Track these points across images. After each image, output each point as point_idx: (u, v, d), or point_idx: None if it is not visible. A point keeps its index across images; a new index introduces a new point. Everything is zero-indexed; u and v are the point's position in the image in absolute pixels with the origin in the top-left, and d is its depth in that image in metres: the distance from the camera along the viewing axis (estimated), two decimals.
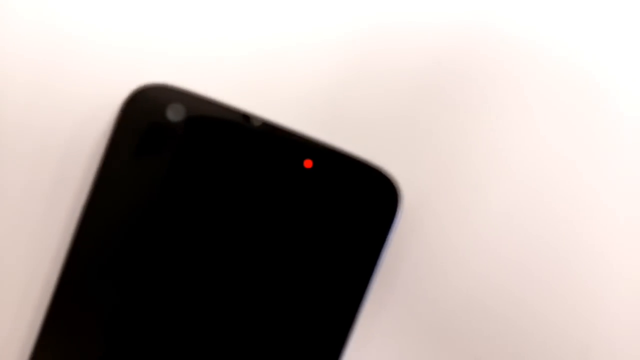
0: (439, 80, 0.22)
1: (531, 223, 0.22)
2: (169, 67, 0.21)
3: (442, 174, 0.22)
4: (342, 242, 0.20)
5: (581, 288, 0.22)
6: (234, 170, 0.20)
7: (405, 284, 0.22)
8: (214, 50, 0.22)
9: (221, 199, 0.20)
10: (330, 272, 0.20)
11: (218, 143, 0.20)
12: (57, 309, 0.20)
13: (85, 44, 0.21)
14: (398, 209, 0.21)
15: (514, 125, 0.23)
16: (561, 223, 0.23)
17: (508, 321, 0.22)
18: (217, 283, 0.20)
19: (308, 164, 0.20)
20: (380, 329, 0.22)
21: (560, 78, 0.23)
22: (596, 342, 0.22)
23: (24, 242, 0.21)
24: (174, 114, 0.20)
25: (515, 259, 0.22)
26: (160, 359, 0.20)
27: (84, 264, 0.20)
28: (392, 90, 0.22)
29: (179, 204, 0.20)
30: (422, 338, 0.22)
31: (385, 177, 0.21)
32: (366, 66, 0.22)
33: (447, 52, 0.22)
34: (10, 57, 0.21)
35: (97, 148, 0.21)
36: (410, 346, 0.22)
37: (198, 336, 0.20)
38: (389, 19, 0.22)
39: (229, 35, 0.22)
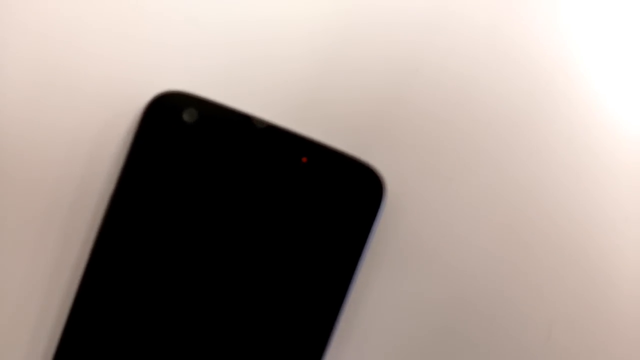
0: (417, 74, 0.25)
1: (506, 210, 0.25)
2: (166, 74, 0.25)
3: (421, 164, 0.25)
4: (333, 228, 0.24)
5: (552, 272, 0.25)
6: (239, 165, 0.23)
7: (389, 266, 0.25)
8: (210, 53, 0.25)
9: (229, 189, 0.23)
10: (322, 255, 0.23)
11: (226, 142, 0.24)
12: (79, 311, 0.23)
13: (100, 56, 0.25)
14: (382, 199, 0.24)
15: (492, 117, 0.26)
16: (534, 211, 0.25)
17: (481, 306, 0.25)
18: (234, 265, 0.23)
19: (303, 159, 0.24)
20: (367, 308, 0.25)
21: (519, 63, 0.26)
22: (559, 319, 0.25)
23: (51, 245, 0.24)
24: (189, 116, 0.23)
25: (491, 247, 0.25)
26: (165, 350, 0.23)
27: (111, 263, 0.23)
28: (369, 84, 0.25)
29: (196, 198, 0.23)
30: (403, 317, 0.25)
31: (370, 170, 0.24)
32: (344, 61, 0.25)
33: (423, 44, 0.25)
34: (39, 66, 0.25)
35: (121, 147, 0.24)
36: (393, 327, 0.25)
37: (203, 328, 0.23)
38: (367, 13, 0.25)
39: (221, 40, 0.25)
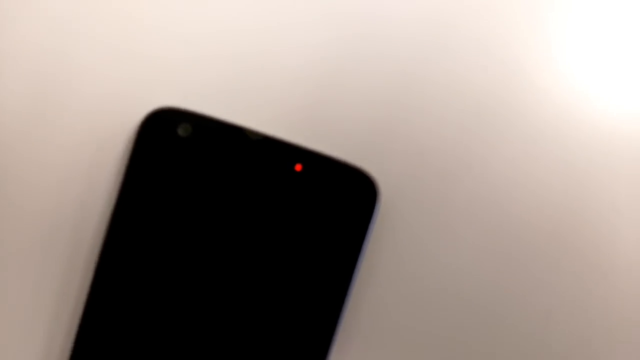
0: (409, 83, 0.26)
1: (500, 206, 0.26)
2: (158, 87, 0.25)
3: (412, 168, 0.26)
4: (330, 233, 0.24)
5: (549, 263, 0.26)
6: (235, 176, 0.24)
7: (385, 267, 0.26)
8: (207, 69, 0.25)
9: (227, 200, 0.24)
10: (321, 261, 0.24)
11: (221, 154, 0.24)
12: (87, 328, 0.24)
13: (93, 74, 0.25)
14: (377, 203, 0.24)
15: (480, 119, 0.26)
16: (528, 205, 0.26)
17: (479, 298, 0.26)
18: (232, 274, 0.24)
19: (298, 167, 0.24)
20: (367, 307, 0.26)
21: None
22: (556, 307, 0.26)
23: (57, 256, 0.25)
24: (183, 131, 0.24)
25: (486, 242, 0.26)
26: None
27: (115, 276, 0.24)
28: (362, 92, 0.26)
29: (194, 207, 0.24)
30: (402, 317, 0.26)
31: (364, 175, 0.24)
32: (337, 71, 0.26)
33: (415, 55, 0.26)
34: (32, 88, 0.25)
35: (118, 163, 0.25)
36: (393, 323, 0.26)
37: (206, 328, 0.24)
38: (359, 29, 0.26)
39: (216, 54, 0.26)
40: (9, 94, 0.25)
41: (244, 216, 0.24)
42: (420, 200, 0.26)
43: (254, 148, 0.24)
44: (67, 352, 0.24)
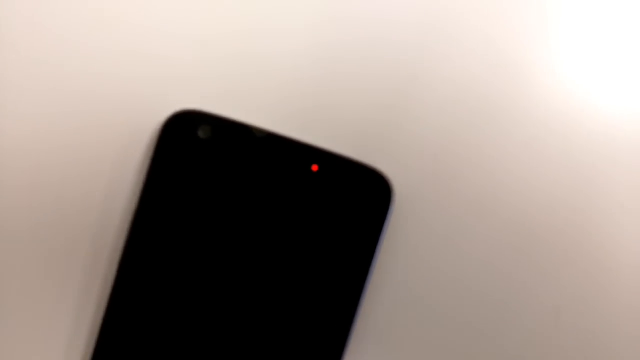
0: (417, 80, 0.26)
1: (511, 202, 0.26)
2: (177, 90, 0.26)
3: (424, 166, 0.26)
4: (345, 232, 0.25)
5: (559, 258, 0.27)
6: (254, 176, 0.25)
7: (399, 264, 0.26)
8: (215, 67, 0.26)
9: (245, 200, 0.25)
10: (337, 260, 0.25)
11: (239, 155, 0.25)
12: (113, 314, 0.24)
13: (112, 78, 0.26)
14: (391, 202, 0.25)
15: (489, 117, 0.27)
16: (538, 201, 0.27)
17: (490, 296, 0.26)
18: (251, 273, 0.24)
19: (314, 168, 0.25)
20: (381, 303, 0.26)
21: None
22: (566, 304, 0.27)
23: (80, 257, 0.25)
24: (204, 133, 0.25)
25: (497, 238, 0.26)
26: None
27: (137, 277, 0.24)
28: (373, 91, 0.26)
29: (214, 207, 0.24)
30: (416, 313, 0.26)
31: (378, 175, 0.25)
32: (347, 69, 0.26)
33: (423, 50, 0.26)
34: (54, 90, 0.26)
35: (140, 163, 0.25)
36: (408, 316, 0.26)
37: (225, 328, 0.24)
38: (374, 31, 0.26)
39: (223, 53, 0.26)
40: (29, 102, 0.25)
41: (262, 216, 0.25)
42: (432, 197, 0.26)
43: (271, 149, 0.25)
44: (88, 355, 0.25)
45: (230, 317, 0.24)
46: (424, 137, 0.26)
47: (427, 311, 0.26)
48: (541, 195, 0.26)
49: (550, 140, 0.27)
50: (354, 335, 0.25)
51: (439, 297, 0.26)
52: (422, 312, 0.26)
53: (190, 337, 0.24)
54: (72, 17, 0.26)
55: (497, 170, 0.26)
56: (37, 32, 0.26)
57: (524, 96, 0.27)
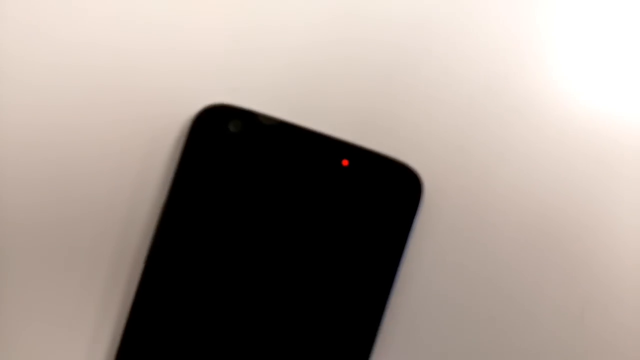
0: (447, 74, 0.27)
1: (538, 199, 0.26)
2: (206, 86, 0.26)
3: (452, 161, 0.26)
4: (376, 227, 0.25)
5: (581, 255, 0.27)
6: (284, 171, 0.25)
7: (428, 259, 0.26)
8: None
9: (276, 194, 0.25)
10: (367, 254, 0.25)
11: (270, 149, 0.25)
12: (139, 309, 0.24)
13: (144, 72, 0.26)
14: (421, 196, 0.25)
15: (517, 112, 0.27)
16: (564, 198, 0.27)
17: (517, 292, 0.26)
18: (282, 268, 0.24)
19: (345, 163, 0.25)
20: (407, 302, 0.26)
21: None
22: (591, 301, 0.27)
23: (107, 251, 0.25)
24: (234, 127, 0.25)
25: (524, 235, 0.26)
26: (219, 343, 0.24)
27: (165, 271, 0.24)
28: (401, 89, 0.26)
29: (244, 201, 0.24)
30: (445, 308, 0.26)
31: (408, 169, 0.25)
32: (377, 67, 0.26)
33: (452, 58, 0.27)
34: (85, 81, 0.26)
35: (170, 158, 0.25)
36: (436, 313, 0.26)
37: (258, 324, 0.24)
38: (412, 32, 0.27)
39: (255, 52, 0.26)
40: (63, 92, 0.25)
41: (292, 210, 0.25)
42: (460, 193, 0.26)
43: (301, 143, 0.25)
44: (113, 351, 0.25)
45: (260, 314, 0.24)
46: (453, 133, 0.26)
47: (453, 308, 0.26)
48: (571, 190, 0.26)
49: (581, 135, 0.27)
50: (381, 332, 0.25)
51: (467, 295, 0.26)
52: (447, 309, 0.26)
53: (220, 334, 0.24)
54: (104, 12, 0.26)
55: (526, 167, 0.26)
56: (68, 27, 0.26)
57: (551, 92, 0.27)
